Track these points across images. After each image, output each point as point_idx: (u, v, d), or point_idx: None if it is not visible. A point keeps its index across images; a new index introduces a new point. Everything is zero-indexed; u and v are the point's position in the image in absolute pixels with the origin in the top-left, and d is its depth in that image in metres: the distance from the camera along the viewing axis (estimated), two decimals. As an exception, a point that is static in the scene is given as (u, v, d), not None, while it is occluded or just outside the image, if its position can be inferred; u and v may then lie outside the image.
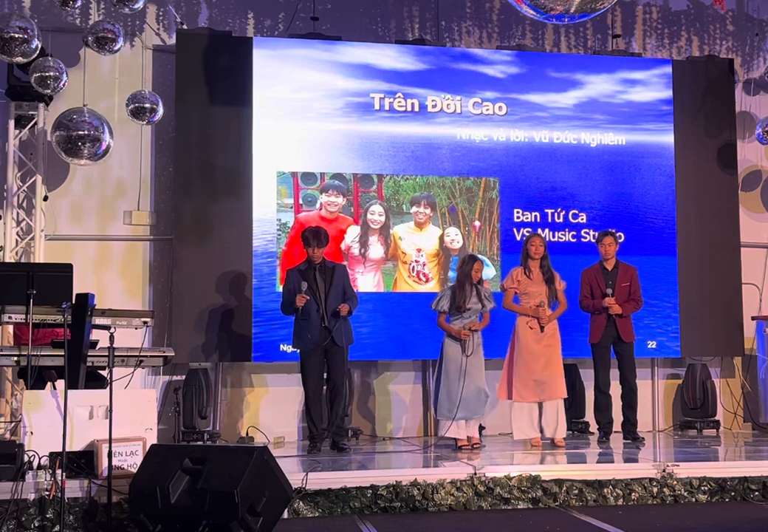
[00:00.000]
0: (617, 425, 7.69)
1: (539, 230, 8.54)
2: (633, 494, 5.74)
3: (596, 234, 8.76)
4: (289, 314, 7.21)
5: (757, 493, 5.83)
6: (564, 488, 5.68)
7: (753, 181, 9.56)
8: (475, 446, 7.12)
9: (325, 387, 7.24)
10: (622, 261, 7.76)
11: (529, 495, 5.64)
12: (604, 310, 7.52)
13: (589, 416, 8.35)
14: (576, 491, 5.68)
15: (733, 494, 5.83)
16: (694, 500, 5.78)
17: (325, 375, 7.20)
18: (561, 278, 7.50)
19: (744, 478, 5.87)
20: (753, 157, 9.53)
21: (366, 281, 8.29)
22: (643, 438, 7.54)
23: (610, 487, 5.73)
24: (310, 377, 7.10)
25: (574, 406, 8.32)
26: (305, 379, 7.14)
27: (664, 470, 5.86)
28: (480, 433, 7.46)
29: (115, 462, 5.15)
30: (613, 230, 7.96)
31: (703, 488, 5.82)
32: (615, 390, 7.65)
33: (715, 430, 8.51)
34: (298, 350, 7.22)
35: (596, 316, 7.63)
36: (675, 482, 5.80)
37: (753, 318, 8.88)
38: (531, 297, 7.39)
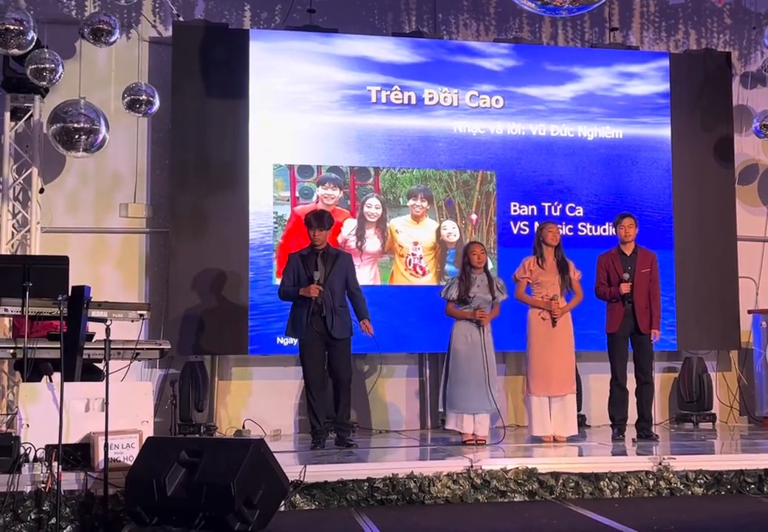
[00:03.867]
0: (632, 421, 7.33)
1: (536, 224, 8.51)
2: (629, 487, 5.73)
3: (593, 227, 8.80)
4: (286, 300, 7.00)
5: (753, 486, 5.83)
6: (560, 481, 5.67)
7: (750, 174, 9.56)
8: (479, 442, 6.87)
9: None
10: (641, 246, 7.43)
11: (526, 488, 5.63)
12: (622, 297, 7.13)
13: (586, 409, 8.38)
14: (572, 484, 5.67)
15: (729, 487, 5.82)
16: (690, 493, 5.78)
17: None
18: (576, 267, 7.27)
19: (740, 471, 5.87)
20: (750, 150, 9.52)
21: (363, 274, 8.25)
22: (657, 436, 7.25)
23: (607, 480, 5.72)
24: (308, 367, 6.88)
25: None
26: (304, 369, 6.96)
27: (660, 463, 5.85)
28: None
29: (111, 455, 5.13)
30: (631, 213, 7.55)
31: (699, 481, 5.81)
32: (629, 385, 7.31)
33: (711, 423, 8.51)
34: (297, 340, 7.04)
35: (613, 304, 7.21)
36: (671, 475, 5.79)
37: (749, 312, 8.88)
38: (543, 287, 7.15)
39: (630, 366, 7.36)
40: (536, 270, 7.21)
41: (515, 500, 5.60)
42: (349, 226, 8.39)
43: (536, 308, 7.16)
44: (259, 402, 8.29)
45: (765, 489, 5.83)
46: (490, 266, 8.25)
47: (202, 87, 8.24)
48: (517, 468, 5.69)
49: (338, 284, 6.90)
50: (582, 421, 8.30)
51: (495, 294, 7.05)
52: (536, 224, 8.43)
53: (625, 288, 7.14)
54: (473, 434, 6.94)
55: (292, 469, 5.35)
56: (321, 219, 6.95)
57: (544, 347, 7.11)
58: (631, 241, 7.32)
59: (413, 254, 8.49)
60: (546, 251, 7.23)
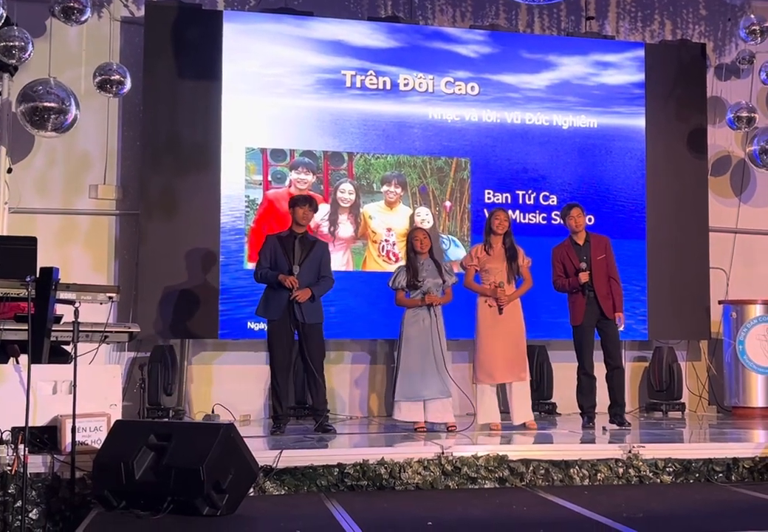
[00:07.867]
0: (602, 408, 7.35)
1: (510, 211, 8.49)
2: (599, 474, 5.74)
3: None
4: (262, 283, 6.90)
5: (721, 474, 5.86)
6: (530, 468, 5.67)
7: (722, 166, 9.61)
8: (450, 429, 6.84)
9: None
10: (593, 232, 7.42)
11: (496, 475, 5.63)
12: (581, 287, 7.13)
13: (557, 397, 8.40)
14: (542, 471, 5.68)
15: (697, 475, 5.85)
16: (659, 481, 5.80)
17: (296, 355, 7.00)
18: (526, 254, 7.23)
19: (708, 460, 5.89)
20: (723, 142, 9.57)
21: (335, 260, 8.15)
22: (629, 423, 7.25)
23: (577, 467, 5.73)
24: (276, 351, 6.82)
25: (540, 387, 8.32)
26: (271, 354, 6.89)
27: (630, 451, 5.86)
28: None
29: (78, 438, 5.08)
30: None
31: (668, 469, 5.84)
32: (599, 372, 7.32)
33: (680, 412, 8.58)
34: (266, 321, 6.97)
35: (575, 296, 7.18)
36: (640, 463, 5.80)
37: (720, 302, 8.93)
38: (491, 274, 7.10)
39: (598, 355, 7.34)
40: (483, 257, 7.16)
41: (485, 486, 5.59)
42: (322, 211, 8.29)
43: (483, 295, 7.13)
44: (228, 387, 8.24)
45: (733, 478, 5.86)
46: (463, 253, 8.28)
47: (175, 68, 8.14)
48: (487, 455, 5.68)
49: (311, 270, 6.84)
50: (552, 409, 8.34)
51: (444, 277, 7.01)
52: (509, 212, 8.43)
53: (584, 277, 7.11)
54: (427, 421, 6.91)
55: (261, 454, 5.31)
56: (308, 198, 7.01)
57: (490, 335, 7.06)
58: (582, 231, 7.28)
59: (386, 240, 8.46)
60: (493, 239, 7.18)
